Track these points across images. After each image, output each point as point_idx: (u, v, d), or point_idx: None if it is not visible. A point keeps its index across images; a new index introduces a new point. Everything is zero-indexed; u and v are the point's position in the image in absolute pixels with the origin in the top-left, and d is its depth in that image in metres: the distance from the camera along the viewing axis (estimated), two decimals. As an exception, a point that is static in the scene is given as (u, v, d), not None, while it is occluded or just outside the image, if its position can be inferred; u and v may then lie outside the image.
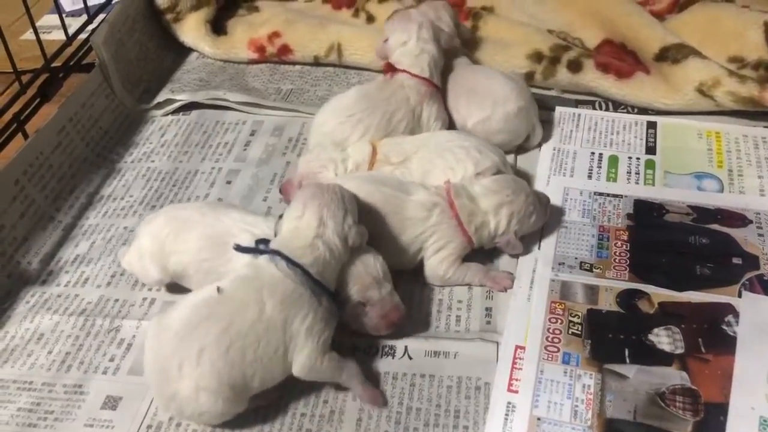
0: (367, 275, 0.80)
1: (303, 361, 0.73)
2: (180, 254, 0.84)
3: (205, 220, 0.85)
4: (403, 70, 1.04)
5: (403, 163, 0.94)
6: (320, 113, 1.04)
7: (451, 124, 1.07)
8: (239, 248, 0.79)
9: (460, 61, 1.12)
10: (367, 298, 0.79)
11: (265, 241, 0.79)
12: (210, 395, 0.70)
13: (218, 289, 0.73)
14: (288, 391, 0.76)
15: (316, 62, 1.30)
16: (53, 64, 1.18)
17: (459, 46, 1.13)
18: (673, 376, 0.75)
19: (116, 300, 0.91)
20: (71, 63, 1.22)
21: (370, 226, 0.83)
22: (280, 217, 0.82)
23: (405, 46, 1.05)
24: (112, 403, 0.79)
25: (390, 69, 1.06)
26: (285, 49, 1.29)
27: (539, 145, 1.08)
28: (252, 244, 0.79)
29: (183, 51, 1.36)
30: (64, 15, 1.29)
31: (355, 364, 0.77)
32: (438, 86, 1.05)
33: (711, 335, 0.79)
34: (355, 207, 0.81)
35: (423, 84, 1.03)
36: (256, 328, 0.71)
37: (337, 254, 0.77)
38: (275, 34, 1.30)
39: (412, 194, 0.88)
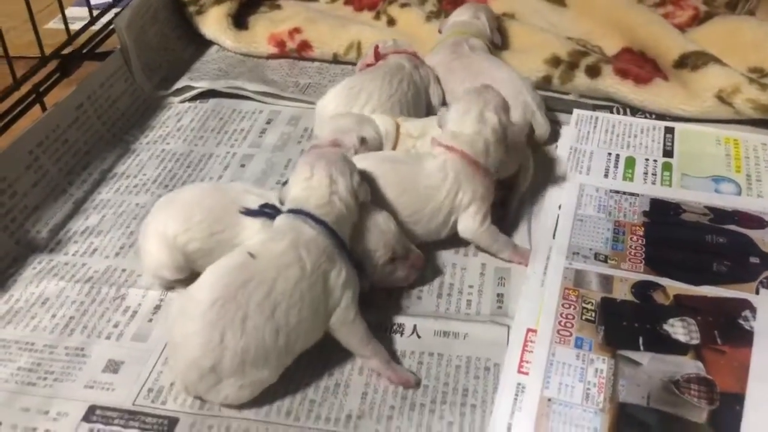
0: (387, 233, 0.80)
1: (341, 314, 0.73)
2: (187, 233, 0.82)
3: (206, 194, 0.84)
4: (393, 52, 1.09)
5: (423, 136, 0.93)
6: (321, 100, 1.04)
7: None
8: (247, 212, 0.78)
9: (478, 48, 1.13)
10: (394, 254, 0.80)
11: (271, 206, 0.78)
12: (256, 365, 0.68)
13: (250, 254, 0.71)
14: (294, 361, 0.75)
15: (335, 59, 1.31)
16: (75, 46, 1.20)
17: (499, 43, 1.21)
18: (687, 365, 0.73)
19: (123, 270, 0.90)
20: (92, 44, 1.23)
21: (397, 206, 0.83)
22: (284, 184, 0.81)
23: (388, 42, 1.13)
24: (113, 366, 0.77)
25: (379, 58, 1.10)
26: (305, 45, 1.30)
27: (548, 144, 1.08)
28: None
29: (203, 44, 1.37)
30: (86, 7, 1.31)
31: (381, 344, 0.76)
32: (421, 59, 1.11)
33: (727, 328, 0.77)
34: (357, 168, 0.81)
35: (411, 56, 1.09)
36: (300, 287, 0.70)
37: (352, 210, 0.77)
38: (296, 30, 1.31)
39: (423, 163, 0.87)
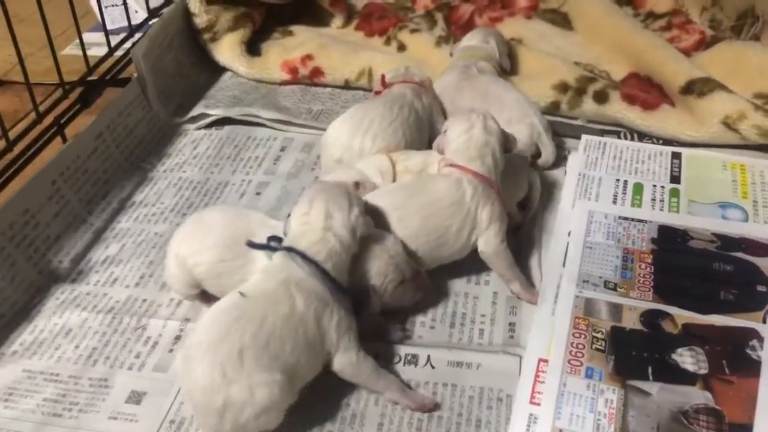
0: (396, 257, 0.82)
1: (343, 358, 0.75)
2: (197, 255, 0.84)
3: (226, 220, 0.86)
4: (400, 81, 1.11)
5: (423, 171, 0.96)
6: (326, 132, 1.06)
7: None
8: (252, 245, 0.80)
9: (486, 70, 1.15)
10: (403, 276, 0.82)
11: (278, 239, 0.80)
12: (265, 387, 0.69)
13: (241, 294, 0.73)
14: (311, 393, 0.77)
15: (347, 85, 1.33)
16: (94, 75, 1.23)
17: (508, 68, 1.24)
18: (696, 396, 0.75)
19: (144, 300, 0.92)
20: (111, 74, 1.26)
21: (424, 231, 0.86)
22: (289, 215, 0.82)
23: (397, 71, 1.14)
24: (136, 397, 0.80)
25: (385, 86, 1.13)
26: (317, 72, 1.33)
27: (556, 169, 1.10)
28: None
29: (217, 70, 1.40)
30: (103, 33, 1.34)
31: (390, 374, 0.78)
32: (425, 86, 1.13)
33: (735, 358, 0.79)
34: (361, 201, 0.83)
35: (416, 86, 1.11)
36: (290, 321, 0.72)
37: (347, 246, 0.78)
38: (308, 57, 1.34)
39: (436, 184, 0.89)
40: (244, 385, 0.69)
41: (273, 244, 0.80)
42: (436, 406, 0.77)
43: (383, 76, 1.15)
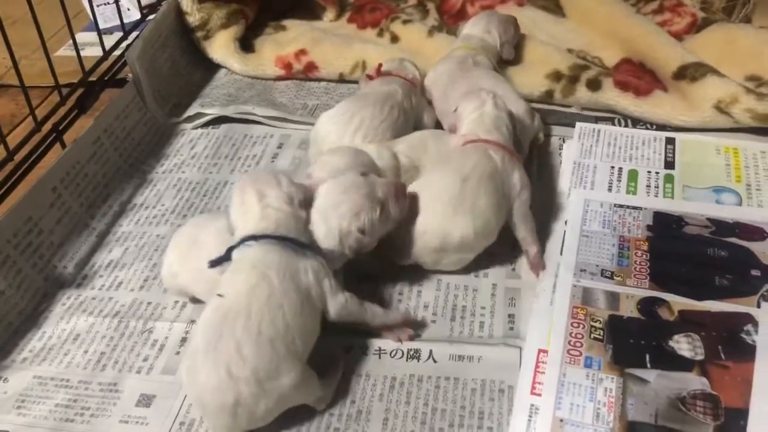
0: (360, 187, 0.85)
1: (332, 303, 0.79)
2: (177, 264, 0.88)
3: (206, 228, 0.88)
4: (387, 72, 1.14)
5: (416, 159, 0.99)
6: (316, 126, 1.08)
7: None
8: (213, 263, 0.80)
9: (482, 64, 1.16)
10: (380, 199, 0.85)
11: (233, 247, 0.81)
12: (271, 378, 0.71)
13: (219, 295, 0.75)
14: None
15: (341, 79, 1.34)
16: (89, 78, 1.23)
17: (509, 57, 1.24)
18: (693, 382, 0.77)
19: (149, 303, 0.94)
20: (107, 77, 1.26)
21: (484, 213, 0.89)
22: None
23: (391, 63, 1.17)
24: (146, 400, 0.81)
25: (378, 73, 1.15)
26: (311, 66, 1.33)
27: (550, 156, 1.12)
28: None
29: (212, 67, 1.41)
30: (96, 33, 1.34)
31: (374, 304, 0.84)
32: (417, 87, 1.15)
33: (730, 343, 0.80)
34: (288, 177, 0.85)
35: (407, 83, 1.13)
36: (274, 299, 0.74)
37: (290, 212, 0.81)
38: (302, 52, 1.34)
39: (472, 159, 0.91)
40: (252, 380, 0.70)
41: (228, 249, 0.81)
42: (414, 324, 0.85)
43: (380, 65, 1.16)
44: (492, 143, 0.94)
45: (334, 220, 0.83)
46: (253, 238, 0.78)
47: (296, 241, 0.79)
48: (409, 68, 1.16)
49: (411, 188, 0.91)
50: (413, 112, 1.11)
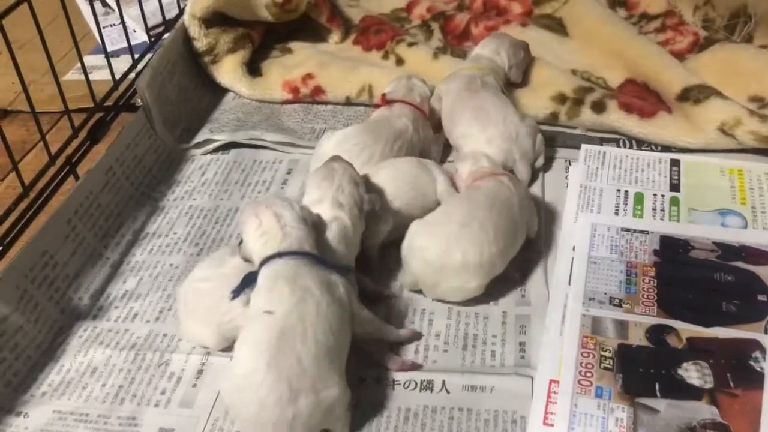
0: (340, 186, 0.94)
1: (360, 317, 0.84)
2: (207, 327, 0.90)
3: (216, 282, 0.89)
4: (400, 100, 1.15)
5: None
6: (323, 144, 1.10)
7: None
8: (235, 293, 0.83)
9: (489, 86, 1.17)
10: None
11: (249, 273, 0.84)
12: (327, 385, 0.74)
13: (267, 312, 0.77)
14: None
15: (348, 102, 1.35)
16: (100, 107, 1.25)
17: (517, 80, 1.26)
18: (703, 411, 0.78)
19: (164, 335, 0.95)
20: (119, 105, 1.28)
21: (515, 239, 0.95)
22: (239, 244, 0.87)
23: (399, 84, 1.19)
24: (165, 435, 0.83)
25: (384, 102, 1.17)
26: (318, 90, 1.35)
27: (557, 180, 1.14)
28: None
29: (219, 91, 1.42)
30: (103, 56, 1.35)
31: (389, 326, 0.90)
32: (426, 114, 1.17)
33: (739, 371, 0.82)
34: (294, 202, 0.89)
35: (416, 111, 1.15)
36: (321, 311, 0.77)
37: (307, 232, 0.85)
38: (309, 76, 1.35)
39: (501, 192, 0.96)
40: (310, 391, 0.73)
41: (253, 278, 0.83)
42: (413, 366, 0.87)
43: (383, 96, 1.18)
44: (501, 174, 0.98)
45: (342, 197, 0.91)
46: (279, 255, 0.81)
47: (319, 257, 0.83)
48: (416, 91, 1.17)
49: (427, 216, 0.95)
50: (420, 144, 1.13)
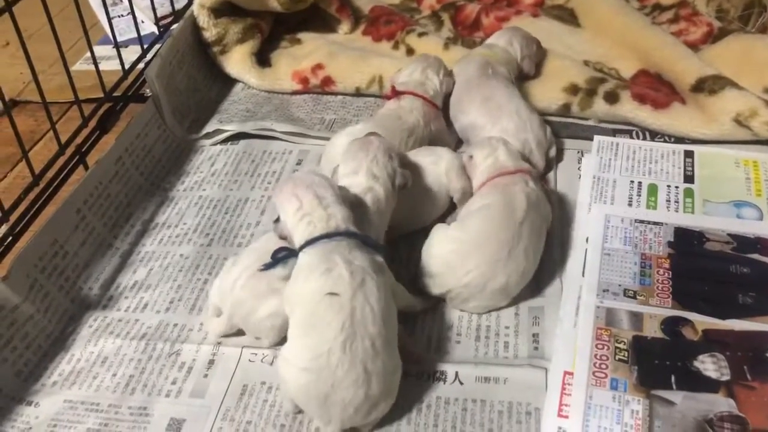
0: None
1: (401, 293, 0.86)
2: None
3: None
4: (410, 92, 1.13)
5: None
6: (335, 142, 1.09)
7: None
8: (266, 266, 0.83)
9: (500, 75, 1.17)
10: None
11: (280, 249, 0.83)
12: (395, 369, 0.77)
13: (332, 294, 0.76)
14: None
15: (358, 93, 1.34)
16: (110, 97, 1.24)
17: (530, 72, 1.25)
18: (720, 403, 0.77)
19: (175, 324, 0.95)
20: (128, 95, 1.28)
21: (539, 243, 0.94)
22: (276, 221, 0.85)
23: (411, 76, 1.16)
24: (176, 425, 0.82)
25: (395, 94, 1.15)
26: (328, 81, 1.34)
27: (569, 171, 1.13)
28: None
29: (228, 81, 1.41)
30: (112, 46, 1.35)
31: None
32: (440, 108, 1.15)
33: (756, 363, 0.81)
34: (330, 178, 0.89)
35: (427, 104, 1.13)
36: (381, 294, 0.77)
37: (348, 210, 0.83)
38: (318, 66, 1.35)
39: (517, 196, 0.94)
40: (381, 375, 0.75)
41: (284, 254, 0.82)
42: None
43: (393, 87, 1.17)
44: (523, 171, 0.97)
45: (376, 169, 0.91)
46: (327, 236, 0.79)
47: (365, 237, 0.82)
48: (429, 85, 1.15)
49: (456, 228, 0.93)
50: (430, 138, 1.12)
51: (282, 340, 0.84)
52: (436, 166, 1.01)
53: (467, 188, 1.00)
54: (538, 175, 0.99)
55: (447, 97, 1.17)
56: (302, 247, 0.80)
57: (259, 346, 0.89)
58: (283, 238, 0.84)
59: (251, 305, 0.86)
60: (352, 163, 0.93)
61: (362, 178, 0.91)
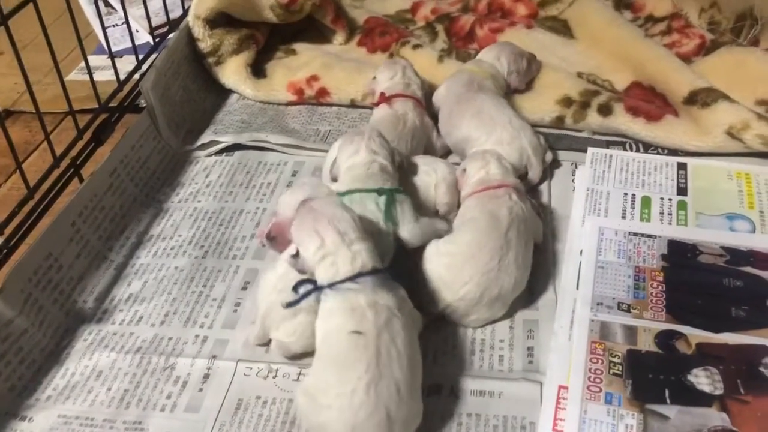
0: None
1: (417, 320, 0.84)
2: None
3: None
4: (398, 94, 1.17)
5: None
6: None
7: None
8: (290, 304, 0.80)
9: (486, 88, 1.17)
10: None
11: (304, 281, 0.80)
12: (417, 419, 0.77)
13: (356, 332, 0.74)
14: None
15: (353, 104, 1.34)
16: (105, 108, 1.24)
17: (519, 87, 1.26)
18: (713, 417, 0.78)
19: (170, 338, 0.94)
20: (124, 105, 1.28)
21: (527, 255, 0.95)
22: (294, 256, 0.81)
23: (393, 79, 1.20)
24: (171, 440, 0.82)
25: (384, 99, 1.16)
26: (323, 92, 1.34)
27: (564, 183, 1.13)
28: None
29: (223, 92, 1.41)
30: (107, 56, 1.34)
31: None
32: (424, 105, 1.20)
33: (749, 377, 0.81)
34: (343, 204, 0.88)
35: (417, 104, 1.17)
36: (408, 331, 0.77)
37: (373, 246, 0.82)
38: (313, 78, 1.35)
39: (501, 211, 0.94)
40: (403, 423, 0.74)
41: (307, 289, 0.79)
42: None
43: (383, 93, 1.18)
44: (509, 185, 0.97)
45: (374, 145, 0.96)
46: (351, 279, 0.77)
47: (386, 271, 0.81)
48: (413, 85, 1.20)
49: (447, 242, 0.93)
50: (424, 134, 1.15)
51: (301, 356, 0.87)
52: (429, 176, 1.02)
53: (454, 204, 1.02)
54: (525, 190, 1.00)
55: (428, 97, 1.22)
56: (325, 288, 0.78)
57: (255, 359, 0.89)
58: (302, 272, 0.81)
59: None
60: (350, 146, 0.97)
61: (363, 153, 0.96)
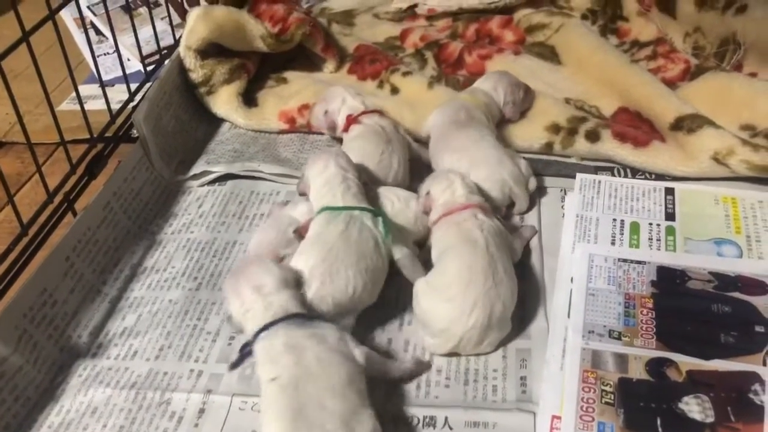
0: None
1: (358, 354, 0.85)
2: None
3: None
4: (362, 112, 1.21)
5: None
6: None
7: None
8: (233, 365, 0.90)
9: (475, 119, 1.19)
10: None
11: (246, 344, 0.86)
12: (364, 423, 0.77)
13: (273, 379, 0.79)
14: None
15: (344, 132, 1.35)
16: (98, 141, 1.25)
17: (513, 118, 1.27)
18: (705, 446, 0.79)
19: (165, 373, 0.95)
20: (118, 135, 1.29)
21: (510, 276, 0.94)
22: (230, 317, 0.90)
23: (347, 103, 1.23)
24: (167, 476, 0.83)
25: (352, 121, 1.20)
26: (314, 121, 1.35)
27: (554, 210, 1.14)
28: None
29: (215, 121, 1.42)
30: (98, 86, 1.35)
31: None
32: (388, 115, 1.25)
33: (739, 404, 0.82)
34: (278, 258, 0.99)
35: (381, 116, 1.22)
36: (323, 358, 0.81)
37: (291, 293, 0.88)
38: (305, 107, 1.36)
39: (473, 234, 0.95)
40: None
41: (248, 350, 0.85)
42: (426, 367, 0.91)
43: (349, 116, 1.20)
44: (474, 206, 0.99)
45: (341, 161, 1.03)
46: (265, 328, 0.83)
47: (305, 315, 0.85)
48: (367, 101, 1.24)
49: (436, 275, 0.94)
50: (403, 139, 1.20)
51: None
52: (408, 208, 1.05)
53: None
54: (489, 211, 1.00)
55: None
56: (252, 341, 0.84)
57: (250, 393, 0.89)
58: (240, 332, 0.89)
59: None
60: (319, 162, 1.03)
61: (333, 169, 1.01)
